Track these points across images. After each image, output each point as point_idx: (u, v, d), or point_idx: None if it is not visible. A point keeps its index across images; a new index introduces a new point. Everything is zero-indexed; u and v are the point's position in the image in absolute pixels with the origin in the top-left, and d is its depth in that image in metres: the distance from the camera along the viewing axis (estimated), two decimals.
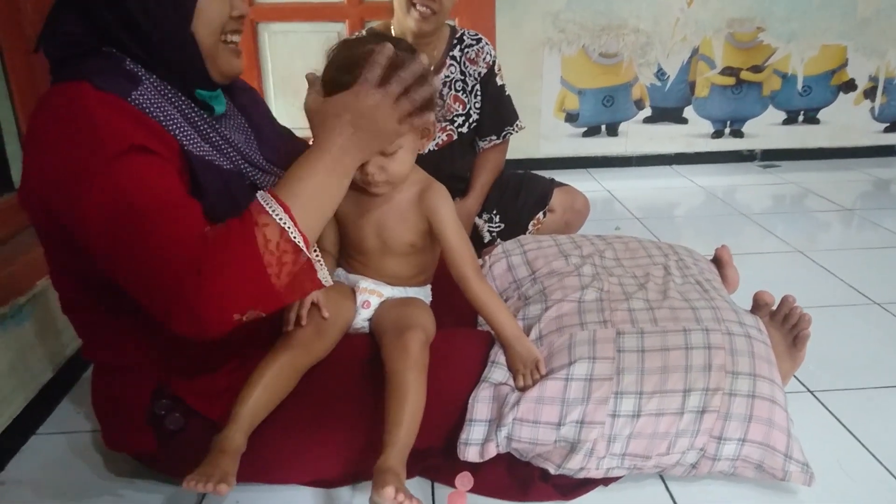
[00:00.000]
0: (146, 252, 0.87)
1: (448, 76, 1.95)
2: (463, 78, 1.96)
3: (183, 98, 1.02)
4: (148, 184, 0.90)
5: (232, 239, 0.87)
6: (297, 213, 0.90)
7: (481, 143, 2.04)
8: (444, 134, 1.97)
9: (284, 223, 0.89)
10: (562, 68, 3.21)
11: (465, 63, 1.96)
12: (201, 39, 1.01)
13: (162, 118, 0.98)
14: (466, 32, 1.98)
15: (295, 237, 0.89)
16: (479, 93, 1.98)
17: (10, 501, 1.06)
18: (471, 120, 1.99)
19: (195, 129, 1.03)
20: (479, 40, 1.98)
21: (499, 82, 2.01)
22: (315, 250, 0.95)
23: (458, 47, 1.96)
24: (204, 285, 0.85)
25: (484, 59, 1.97)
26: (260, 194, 0.91)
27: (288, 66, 3.01)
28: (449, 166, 1.97)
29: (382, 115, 0.97)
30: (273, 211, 0.89)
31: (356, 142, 0.97)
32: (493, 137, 2.03)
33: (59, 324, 1.49)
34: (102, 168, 0.88)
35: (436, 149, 1.96)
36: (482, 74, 1.97)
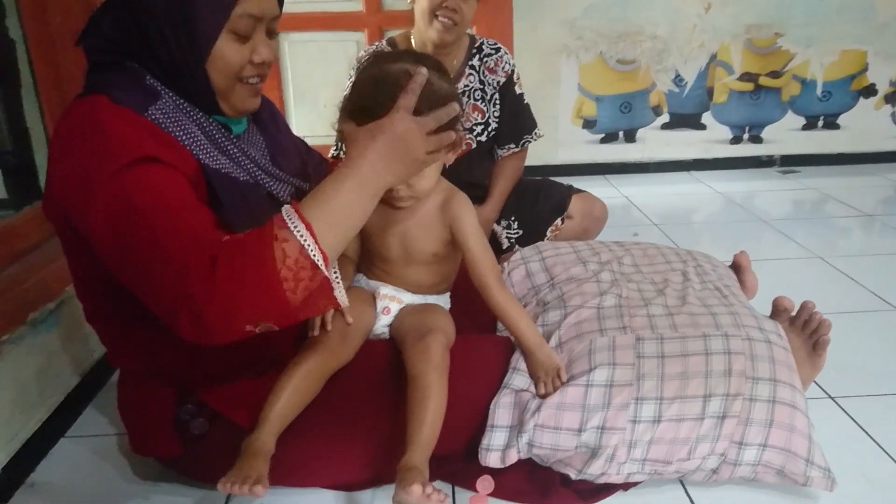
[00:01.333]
0: (151, 251, 0.88)
1: (467, 85, 1.96)
2: (482, 87, 1.98)
3: (201, 114, 1.05)
4: (155, 189, 0.91)
5: (248, 249, 0.87)
6: (319, 232, 0.89)
7: (500, 152, 2.05)
8: (463, 143, 1.98)
9: (305, 240, 0.88)
10: (579, 75, 3.22)
11: (484, 72, 1.98)
12: (214, 80, 1.01)
13: (178, 133, 1.00)
14: (485, 41, 2.00)
15: (314, 255, 0.88)
16: (497, 102, 2.00)
17: (41, 503, 1.08)
18: (489, 129, 2.01)
19: (213, 143, 1.05)
20: (497, 49, 2.00)
21: (517, 91, 2.03)
22: (335, 270, 0.95)
23: (478, 56, 1.97)
24: (213, 290, 0.85)
25: (503, 67, 1.98)
26: (285, 209, 0.90)
27: (307, 74, 3.04)
28: (466, 174, 1.98)
29: (415, 144, 0.96)
30: (295, 227, 0.88)
31: (387, 165, 0.95)
32: (512, 146, 2.04)
33: (86, 330, 1.51)
34: (109, 177, 0.90)
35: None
36: (501, 83, 1.99)
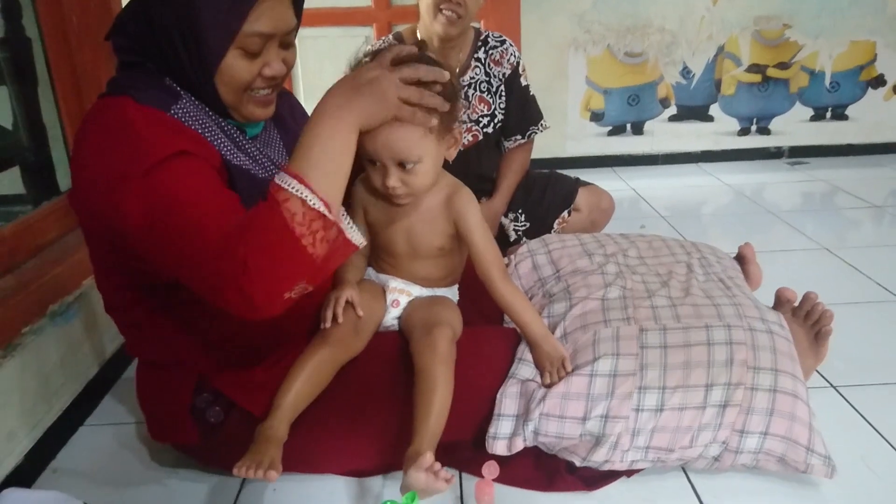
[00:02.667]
0: (192, 242, 0.90)
1: (473, 78, 1.99)
2: (488, 79, 2.00)
3: (218, 116, 1.07)
4: (189, 180, 0.94)
5: (261, 221, 0.89)
6: (311, 181, 0.90)
7: (507, 143, 2.07)
8: (470, 135, 2.01)
9: (302, 193, 0.89)
10: (587, 68, 3.23)
11: (489, 64, 2.00)
12: (222, 93, 1.03)
13: (201, 130, 1.03)
14: (491, 34, 2.02)
15: (315, 204, 0.90)
16: (503, 93, 2.02)
17: (63, 488, 1.12)
18: (496, 120, 2.03)
19: (232, 141, 1.08)
20: (502, 42, 2.02)
21: (523, 83, 2.04)
22: (344, 214, 0.96)
23: (483, 49, 1.99)
24: (248, 269, 0.87)
25: (508, 60, 2.00)
26: (276, 175, 0.92)
27: (318, 70, 3.07)
28: (476, 167, 2.01)
29: (384, 86, 0.97)
30: (289, 185, 0.90)
31: (355, 102, 0.95)
32: (519, 137, 2.06)
33: (105, 321, 1.55)
34: (145, 173, 0.92)
35: (461, 149, 1.99)
36: (506, 75, 2.00)
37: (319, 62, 3.06)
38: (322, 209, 0.90)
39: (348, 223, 0.96)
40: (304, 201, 0.89)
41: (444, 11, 1.79)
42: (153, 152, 0.93)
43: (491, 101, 2.01)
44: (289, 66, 1.09)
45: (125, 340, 1.23)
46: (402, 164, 1.09)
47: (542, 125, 2.09)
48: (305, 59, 3.07)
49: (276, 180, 0.91)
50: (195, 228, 0.91)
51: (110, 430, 1.42)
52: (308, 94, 3.09)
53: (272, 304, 0.91)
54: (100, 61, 1.07)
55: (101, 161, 0.96)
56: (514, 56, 2.02)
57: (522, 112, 2.06)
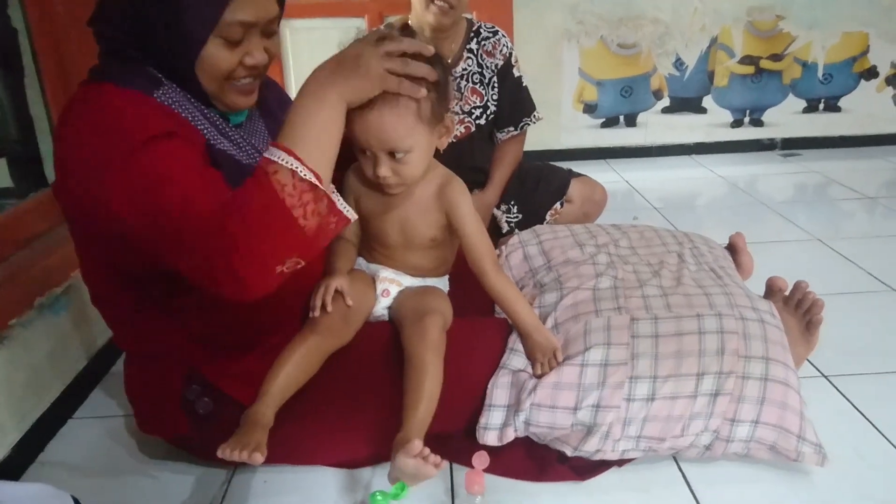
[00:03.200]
0: (181, 222, 0.90)
1: (465, 69, 1.98)
2: (480, 70, 1.99)
3: (200, 103, 1.06)
4: (175, 160, 0.93)
5: (251, 194, 0.89)
6: (301, 153, 0.90)
7: (499, 135, 2.07)
8: (463, 126, 2.00)
9: (292, 164, 0.89)
10: (580, 60, 3.22)
11: (481, 56, 1.99)
12: (203, 81, 1.02)
13: (185, 114, 1.02)
14: (483, 25, 2.01)
15: (305, 175, 0.89)
16: (496, 85, 2.01)
17: (52, 481, 1.11)
18: (489, 112, 2.02)
19: (215, 128, 1.07)
20: (495, 32, 2.00)
21: (516, 74, 2.04)
22: (333, 190, 0.95)
23: (475, 40, 1.98)
24: (238, 246, 0.87)
25: (500, 51, 1.99)
26: (266, 150, 0.92)
27: (309, 62, 3.03)
28: (469, 158, 2.00)
29: (368, 58, 0.96)
30: (279, 157, 0.89)
31: (338, 75, 0.95)
32: (511, 129, 2.05)
33: (93, 313, 1.53)
34: (131, 154, 0.91)
35: (455, 141, 1.99)
36: (499, 66, 2.00)
37: (311, 53, 3.04)
38: (313, 180, 0.90)
39: (339, 199, 0.95)
40: (294, 172, 0.89)
41: (436, 2, 1.78)
42: (138, 133, 0.92)
43: (483, 92, 2.00)
44: (271, 55, 1.08)
45: (113, 333, 1.22)
46: (392, 154, 1.09)
47: (534, 117, 2.09)
48: (297, 51, 3.06)
49: (266, 154, 0.91)
50: (182, 207, 0.90)
51: (99, 422, 1.41)
52: (299, 86, 3.07)
53: (264, 281, 0.91)
54: (87, 51, 1.05)
55: (85, 147, 0.95)
56: (507, 47, 2.01)
57: (515, 103, 2.05)
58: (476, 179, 2.02)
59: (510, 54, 2.01)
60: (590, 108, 3.31)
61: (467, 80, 1.98)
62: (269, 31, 1.06)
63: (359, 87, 0.97)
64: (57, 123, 1.03)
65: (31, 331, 1.35)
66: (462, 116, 1.99)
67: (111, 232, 0.98)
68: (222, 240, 0.87)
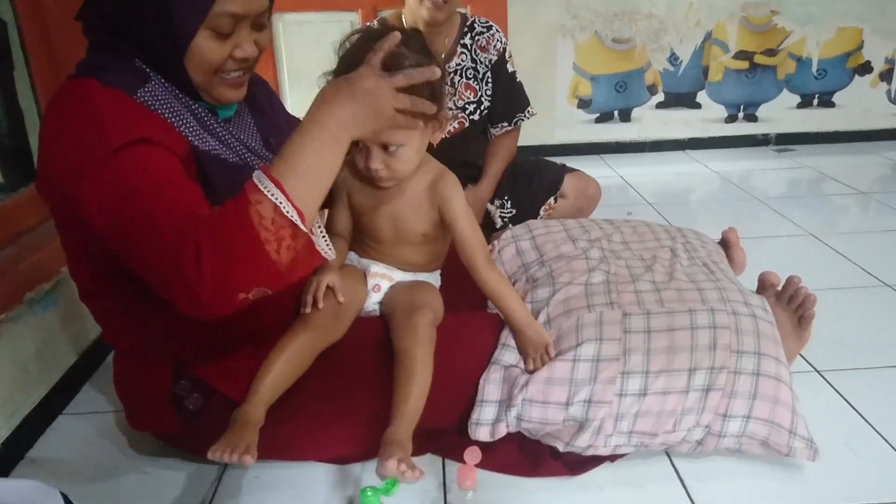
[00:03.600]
0: (146, 232, 0.89)
1: (459, 64, 1.97)
2: (474, 66, 1.98)
3: (189, 98, 1.05)
4: (148, 169, 0.92)
5: (227, 218, 0.88)
6: (290, 189, 0.89)
7: (493, 130, 2.06)
8: (457, 121, 1.99)
9: (277, 199, 0.88)
10: (575, 54, 3.22)
11: (475, 51, 1.98)
12: (192, 74, 1.01)
13: (168, 115, 1.01)
14: (477, 20, 2.00)
15: (289, 212, 0.88)
16: (490, 80, 2.00)
17: (41, 477, 1.10)
18: (482, 107, 2.01)
19: (202, 125, 1.06)
20: (489, 27, 2.00)
21: (510, 69, 2.03)
22: (319, 225, 0.95)
23: (469, 35, 1.97)
24: (201, 264, 0.85)
25: (494, 46, 1.98)
26: (255, 174, 0.90)
27: (302, 56, 3.04)
28: (462, 153, 2.00)
29: (381, 97, 0.95)
30: (266, 188, 0.88)
31: (352, 116, 0.94)
32: (505, 124, 2.05)
33: (83, 309, 1.52)
34: (105, 158, 0.91)
35: (448, 136, 1.97)
36: (493, 62, 1.99)
37: (304, 48, 3.03)
38: (295, 218, 0.89)
39: (322, 234, 0.95)
40: (276, 207, 0.88)
41: None
42: (114, 138, 0.92)
43: (477, 87, 1.99)
44: (261, 48, 1.07)
45: (102, 328, 1.21)
46: (385, 147, 1.08)
47: (528, 112, 2.08)
48: (290, 45, 3.04)
49: (255, 179, 0.89)
50: (150, 217, 0.89)
51: (89, 418, 1.40)
52: (293, 80, 3.06)
53: (221, 304, 0.89)
54: (77, 45, 1.04)
55: (64, 145, 0.94)
56: (501, 42, 2.00)
57: (509, 99, 2.05)
58: (469, 174, 2.01)
59: (504, 49, 2.00)
60: (584, 103, 3.30)
61: (461, 76, 1.97)
62: (260, 23, 1.05)
63: (368, 126, 0.96)
64: (42, 117, 1.02)
65: (20, 326, 1.34)
66: (456, 112, 1.98)
67: (90, 231, 0.97)
68: (185, 255, 0.86)
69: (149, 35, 0.98)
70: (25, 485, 1.03)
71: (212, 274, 0.86)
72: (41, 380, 1.40)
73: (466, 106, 1.99)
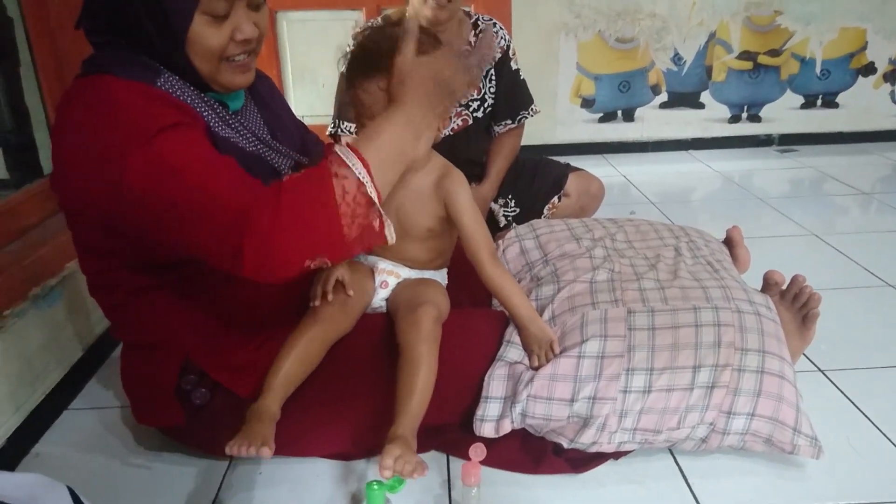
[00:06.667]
0: (204, 202, 0.90)
1: None
2: None
3: (198, 90, 1.05)
4: (192, 147, 0.94)
5: (310, 184, 0.90)
6: (374, 169, 0.92)
7: (497, 128, 2.06)
8: (460, 119, 1.99)
9: (363, 177, 0.91)
10: (578, 54, 3.22)
11: None
12: (196, 63, 1.01)
13: (189, 102, 1.02)
14: (481, 17, 2.00)
15: (371, 192, 0.91)
16: (493, 77, 2.00)
17: (46, 472, 1.10)
18: (486, 105, 2.02)
19: (216, 115, 1.06)
20: (492, 25, 2.00)
21: (513, 66, 2.03)
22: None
23: (473, 32, 1.97)
24: (279, 219, 0.87)
25: (498, 43, 1.99)
26: (338, 147, 0.93)
27: (306, 54, 3.04)
28: (465, 151, 2.00)
29: (457, 82, 1.01)
30: (353, 164, 0.91)
31: (433, 105, 1.00)
32: (509, 122, 2.05)
33: (89, 304, 1.54)
34: (141, 147, 0.91)
35: (451, 134, 1.99)
36: (496, 59, 1.99)
37: (308, 46, 3.03)
38: (375, 199, 0.92)
39: (388, 220, 0.97)
40: (361, 184, 0.91)
41: None
42: (151, 123, 0.92)
43: (481, 85, 2.00)
44: (261, 29, 1.06)
45: (110, 323, 1.22)
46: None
47: (532, 110, 2.08)
48: (294, 43, 3.04)
49: (340, 154, 0.92)
50: (206, 187, 0.90)
51: (95, 413, 1.41)
52: (296, 78, 3.06)
53: (289, 266, 0.91)
54: (82, 42, 1.04)
55: (91, 138, 0.94)
56: (505, 39, 2.00)
57: (512, 96, 2.05)
58: (472, 173, 2.01)
59: (508, 47, 2.01)
60: (587, 103, 3.30)
61: None
62: (256, 3, 1.04)
63: (444, 114, 1.06)
64: (57, 115, 1.02)
65: (26, 321, 1.34)
66: (459, 109, 1.98)
67: (114, 222, 0.97)
68: (267, 212, 0.88)
69: (145, 29, 0.98)
70: (31, 479, 1.04)
71: (287, 229, 0.88)
72: (46, 375, 1.40)
73: (470, 103, 1.99)
